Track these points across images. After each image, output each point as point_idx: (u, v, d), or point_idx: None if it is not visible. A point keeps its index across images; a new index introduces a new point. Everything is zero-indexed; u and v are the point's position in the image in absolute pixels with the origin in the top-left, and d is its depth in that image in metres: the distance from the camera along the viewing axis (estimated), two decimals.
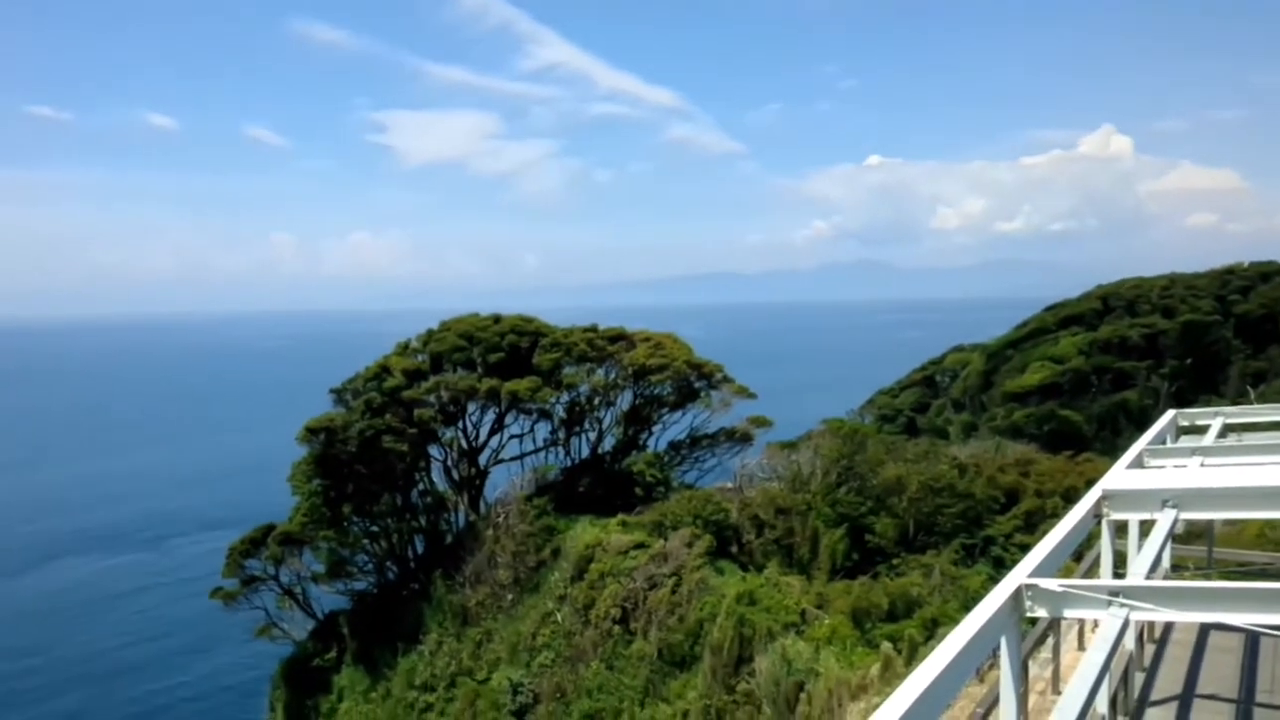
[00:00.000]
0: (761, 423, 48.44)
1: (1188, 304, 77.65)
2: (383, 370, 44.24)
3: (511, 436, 46.98)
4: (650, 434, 48.92)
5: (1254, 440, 16.12)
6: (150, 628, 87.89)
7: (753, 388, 48.98)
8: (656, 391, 47.68)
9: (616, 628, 33.34)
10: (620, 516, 38.87)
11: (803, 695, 26.25)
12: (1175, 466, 13.41)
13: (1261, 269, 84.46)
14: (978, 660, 6.06)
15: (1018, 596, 6.53)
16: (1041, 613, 6.74)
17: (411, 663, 39.09)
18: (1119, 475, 11.78)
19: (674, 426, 48.98)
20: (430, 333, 47.34)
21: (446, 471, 45.95)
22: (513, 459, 46.97)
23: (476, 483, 46.40)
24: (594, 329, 48.91)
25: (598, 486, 43.99)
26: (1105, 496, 10.21)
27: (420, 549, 45.03)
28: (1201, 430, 17.07)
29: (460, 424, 45.62)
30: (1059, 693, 10.70)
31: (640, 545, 35.39)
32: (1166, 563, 13.96)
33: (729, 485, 43.59)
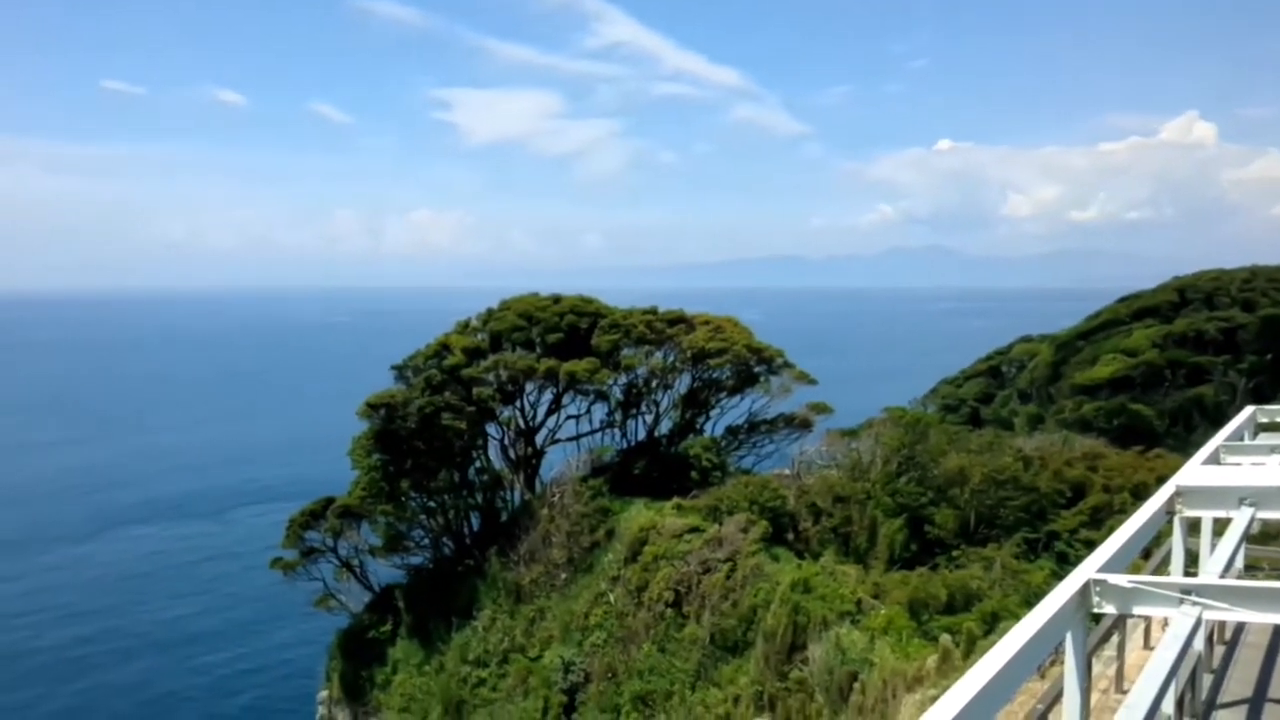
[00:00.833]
0: (821, 409, 47.90)
1: (1269, 297, 74.93)
2: (443, 348, 44.56)
3: (568, 417, 47.08)
4: (708, 418, 48.68)
5: None
6: (212, 596, 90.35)
7: (813, 374, 48.47)
8: (715, 375, 47.37)
9: (669, 611, 33.26)
10: (675, 500, 38.71)
11: (856, 685, 25.92)
12: (1253, 464, 12.96)
13: None
14: (1042, 654, 5.88)
15: (1085, 591, 6.34)
16: (1110, 609, 6.57)
17: (465, 638, 39.48)
18: (1194, 471, 11.40)
19: (732, 411, 48.71)
20: (490, 312, 47.57)
21: (503, 450, 46.22)
22: (569, 439, 47.10)
23: (533, 462, 46.62)
24: (653, 311, 48.73)
25: (653, 469, 43.85)
26: (1179, 493, 9.87)
27: (476, 526, 45.37)
28: None
29: (518, 403, 45.81)
30: (1122, 692, 10.53)
31: (695, 529, 35.23)
32: (1240, 563, 13.44)
33: (786, 472, 43.23)
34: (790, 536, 36.14)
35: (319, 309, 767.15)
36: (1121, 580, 6.44)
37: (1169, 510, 9.72)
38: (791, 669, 28.37)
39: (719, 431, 48.45)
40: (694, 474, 43.21)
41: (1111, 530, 8.46)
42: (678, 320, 47.91)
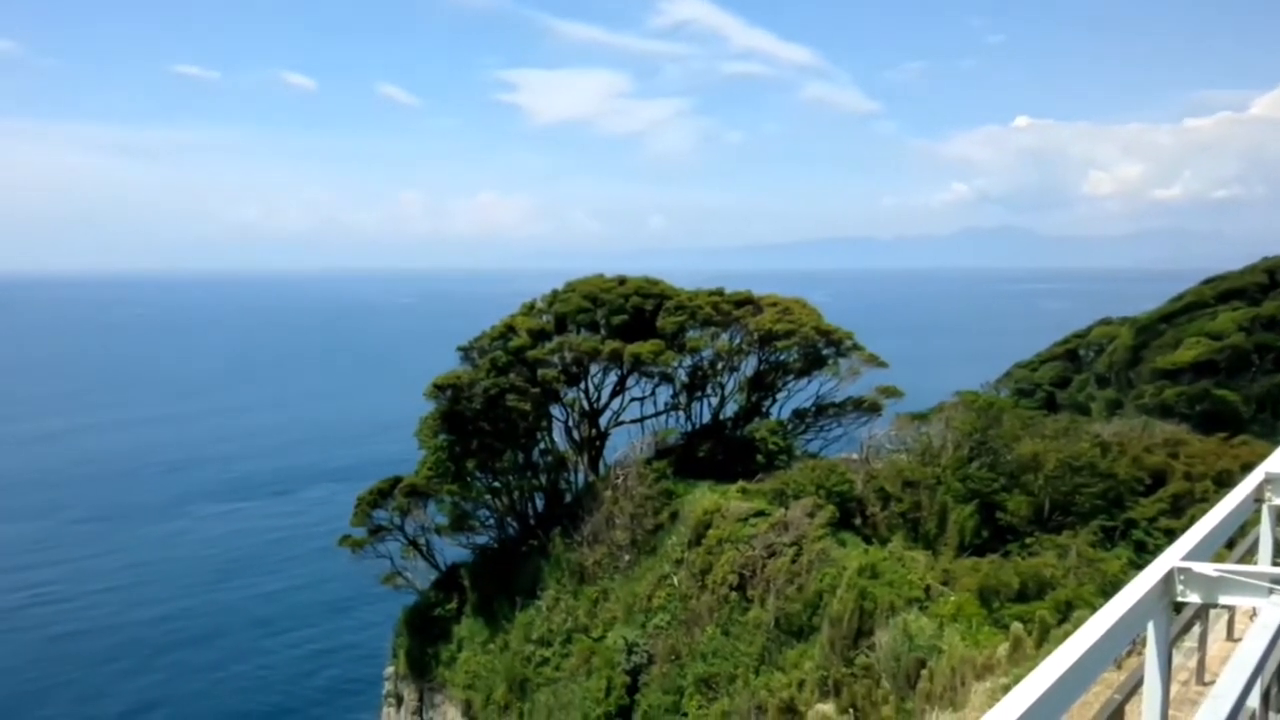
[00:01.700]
0: (891, 393, 47.10)
1: None
2: (508, 329, 44.73)
3: (633, 399, 46.98)
4: (774, 401, 48.19)
5: None
6: (287, 575, 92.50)
7: (883, 356, 47.63)
8: (782, 358, 46.86)
9: (733, 594, 33.04)
10: (740, 483, 38.42)
11: (924, 672, 25.44)
12: None
13: None
14: (1123, 644, 5.59)
15: (1169, 580, 6.01)
16: (1194, 598, 6.22)
17: (529, 617, 39.76)
18: None
19: (799, 394, 48.12)
20: (555, 293, 47.57)
21: (568, 432, 46.33)
22: (633, 421, 47.02)
23: (597, 444, 46.65)
24: (720, 292, 48.31)
25: (718, 452, 43.55)
26: (1268, 480, 9.34)
27: (540, 507, 45.62)
28: None
29: (582, 385, 45.83)
30: (1204, 684, 10.21)
31: (760, 513, 34.91)
32: None
33: (854, 456, 42.63)
34: (857, 521, 35.65)
35: (386, 290, 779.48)
36: (1208, 569, 6.11)
37: (1257, 498, 9.24)
38: (857, 655, 27.98)
39: (785, 415, 47.95)
40: (759, 457, 42.80)
41: (1193, 519, 8.04)
42: (745, 301, 47.42)
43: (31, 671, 70.94)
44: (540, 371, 43.63)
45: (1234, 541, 14.15)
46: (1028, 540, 33.01)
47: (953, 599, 27.81)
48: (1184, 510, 31.89)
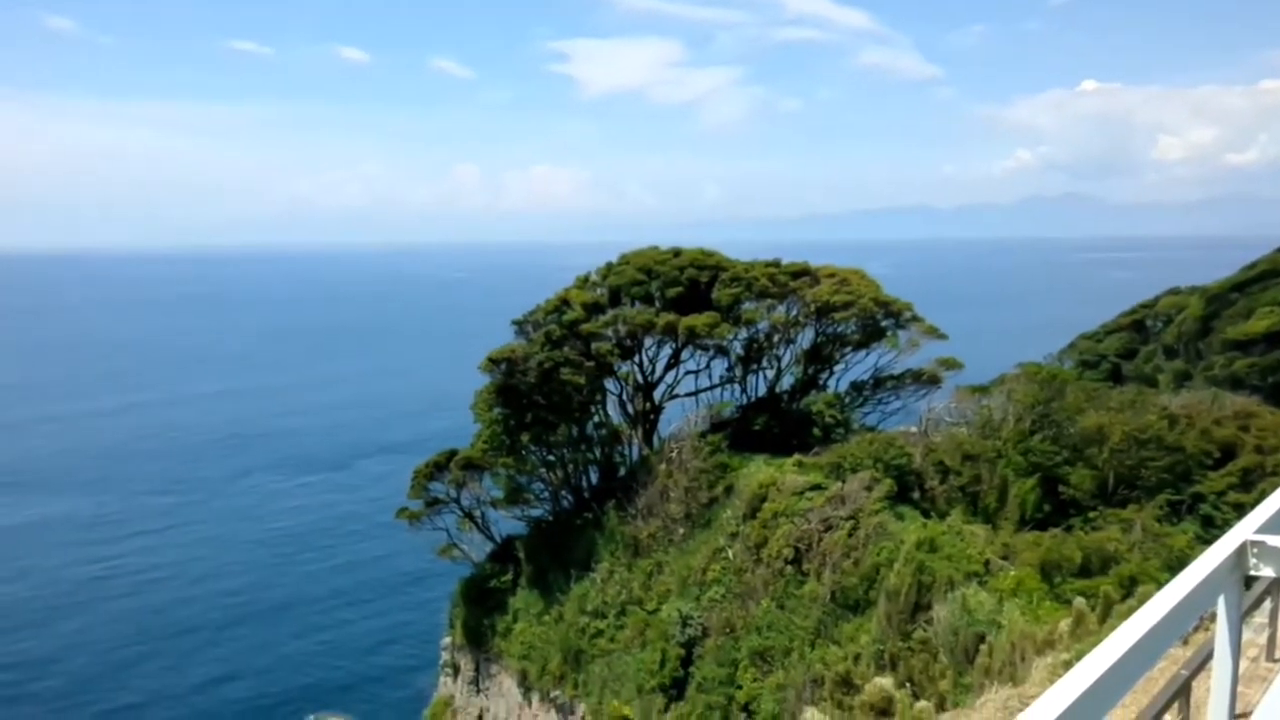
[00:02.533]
0: (951, 365, 46.32)
1: None
2: (562, 303, 44.70)
3: (687, 372, 46.73)
4: (831, 373, 47.65)
5: None
6: (344, 545, 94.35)
7: (943, 328, 46.84)
8: (840, 330, 46.24)
9: (789, 568, 32.86)
10: (796, 457, 38.12)
11: (983, 647, 25.08)
12: None
13: None
14: (1192, 618, 5.41)
15: (1241, 553, 5.78)
16: (1268, 572, 6.00)
17: (584, 589, 39.99)
18: None
19: (857, 366, 47.55)
20: (609, 266, 47.39)
21: (622, 405, 46.29)
22: (688, 395, 46.82)
23: (651, 417, 46.56)
24: (776, 264, 47.76)
25: (774, 426, 43.20)
26: None
27: (594, 480, 45.75)
28: None
29: (637, 358, 45.71)
30: (1274, 660, 10.02)
31: (816, 486, 34.63)
32: None
33: (913, 429, 42.06)
34: (915, 495, 35.19)
35: (440, 265, 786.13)
36: None
37: None
38: (915, 629, 27.70)
39: (843, 387, 47.39)
40: (816, 430, 42.42)
41: (1264, 493, 7.70)
42: (801, 273, 46.84)
43: (115, 642, 73.49)
44: (594, 345, 43.56)
45: None
46: (1091, 514, 32.39)
47: (1013, 573, 27.39)
48: (1254, 484, 31.01)
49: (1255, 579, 6.46)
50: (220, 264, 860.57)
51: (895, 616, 28.38)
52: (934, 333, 46.19)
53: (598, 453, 45.65)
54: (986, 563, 28.46)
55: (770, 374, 47.04)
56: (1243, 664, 9.74)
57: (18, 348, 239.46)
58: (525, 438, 43.44)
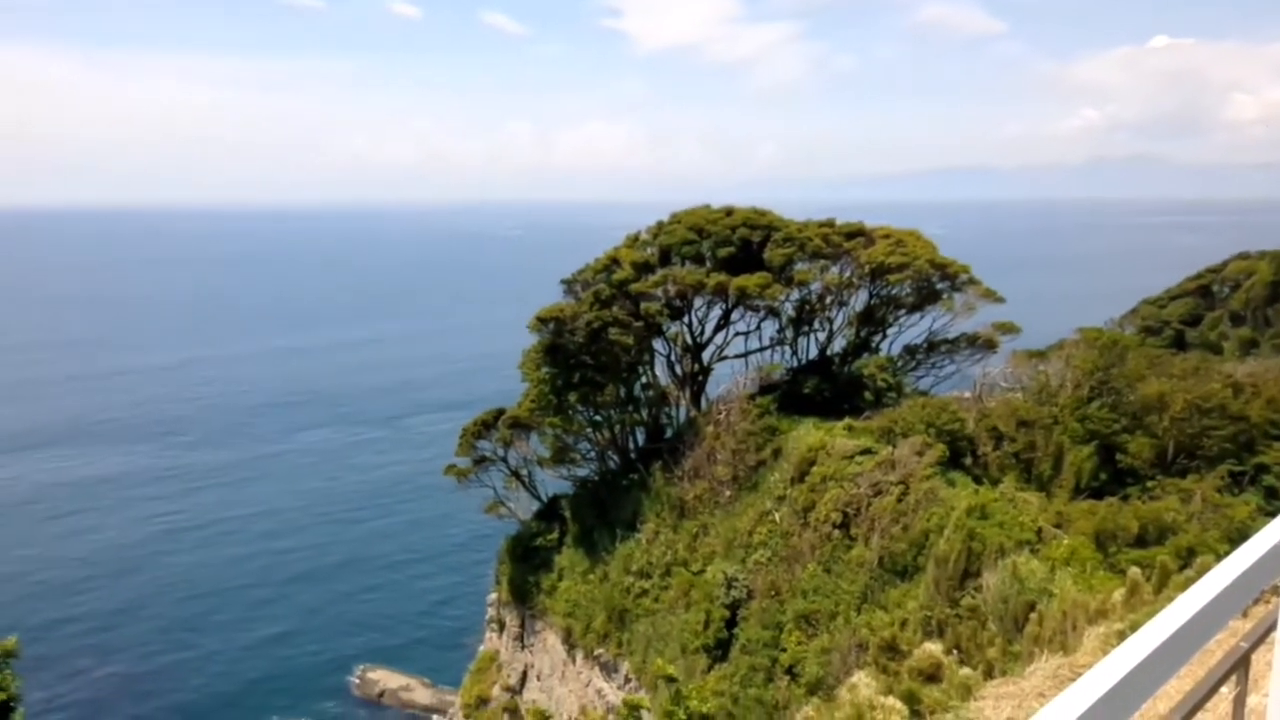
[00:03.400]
0: (1008, 329, 45.30)
1: None
2: (612, 262, 44.37)
3: (737, 333, 46.26)
4: (884, 336, 46.90)
5: None
6: (396, 503, 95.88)
7: (1001, 291, 45.75)
8: (894, 292, 45.41)
9: (836, 532, 32.53)
10: (847, 420, 37.63)
11: (1033, 615, 24.58)
12: None
13: None
14: (1252, 592, 5.06)
15: None
16: None
17: (629, 549, 40.08)
18: None
19: (910, 329, 46.72)
20: (660, 225, 46.90)
21: (670, 366, 46.04)
22: (737, 356, 46.41)
23: (699, 379, 46.26)
24: (830, 224, 46.94)
25: (824, 389, 42.60)
26: None
27: (641, 441, 45.67)
28: None
29: (686, 319, 45.34)
30: None
31: (867, 451, 34.16)
32: None
33: (966, 394, 41.29)
34: (968, 461, 34.55)
35: (491, 223, 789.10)
36: None
37: None
38: (963, 596, 27.24)
39: (895, 350, 46.68)
40: (867, 394, 41.80)
41: None
42: (856, 234, 45.98)
43: (183, 594, 75.83)
44: (643, 305, 43.24)
45: None
46: (1149, 484, 31.57)
47: (1066, 542, 26.80)
48: None
49: None
50: (273, 221, 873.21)
51: (944, 583, 27.94)
52: (991, 296, 45.16)
53: (645, 414, 45.50)
54: (1039, 531, 27.87)
55: (822, 336, 46.42)
56: None
57: (83, 303, 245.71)
58: (573, 397, 43.36)
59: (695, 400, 45.55)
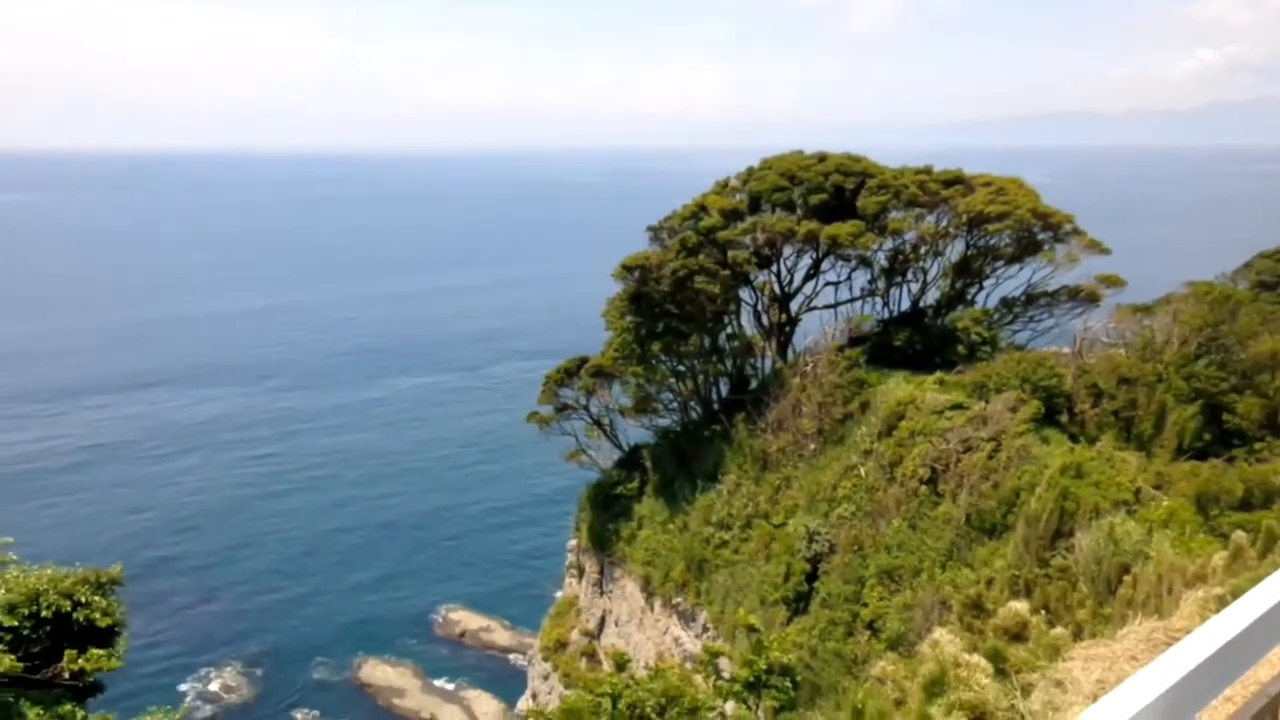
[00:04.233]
0: (1112, 282, 43.42)
1: None
2: (700, 209, 43.78)
3: (827, 283, 45.37)
4: (980, 288, 45.47)
5: None
6: (476, 446, 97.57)
7: (1106, 242, 43.84)
8: (993, 242, 43.90)
9: (923, 488, 31.91)
10: (938, 374, 36.75)
11: (1127, 578, 23.73)
12: None
13: None
14: None
15: None
16: None
17: (709, 500, 39.99)
18: None
19: (1008, 282, 45.17)
20: (750, 171, 46.02)
21: (756, 316, 45.45)
22: (826, 307, 45.58)
23: (786, 329, 45.59)
24: (927, 171, 45.51)
25: (916, 342, 41.58)
26: None
27: (724, 392, 45.32)
28: None
29: (774, 268, 44.60)
30: None
31: (958, 406, 33.33)
32: None
33: (1065, 349, 39.83)
34: (1064, 419, 33.43)
35: (575, 170, 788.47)
36: None
37: None
38: (1054, 556, 26.47)
39: (992, 303, 45.20)
40: (960, 348, 40.67)
41: None
42: (954, 181, 44.46)
43: (283, 537, 78.83)
44: (731, 253, 42.61)
45: None
46: (1257, 446, 30.25)
47: (1165, 504, 25.79)
48: None
49: None
50: (359, 166, 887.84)
51: (1034, 542, 27.17)
52: (1096, 247, 43.31)
53: (729, 364, 45.08)
54: (1137, 491, 26.87)
55: (915, 287, 45.23)
56: None
57: (176, 244, 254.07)
58: (656, 347, 43.10)
59: (781, 351, 44.93)
